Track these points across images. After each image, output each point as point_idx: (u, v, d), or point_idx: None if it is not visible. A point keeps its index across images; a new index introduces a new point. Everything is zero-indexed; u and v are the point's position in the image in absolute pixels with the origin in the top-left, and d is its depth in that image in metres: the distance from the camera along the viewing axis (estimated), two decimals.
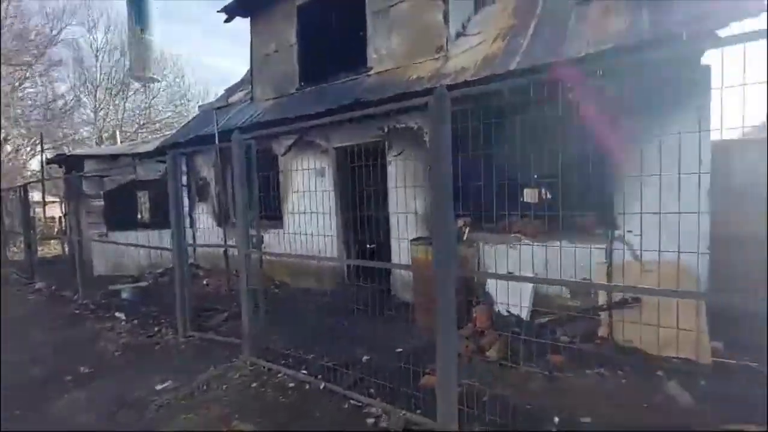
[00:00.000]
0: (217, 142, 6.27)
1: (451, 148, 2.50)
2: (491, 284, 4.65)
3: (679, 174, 2.67)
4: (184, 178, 8.88)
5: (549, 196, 5.44)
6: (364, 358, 3.96)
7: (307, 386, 3.35)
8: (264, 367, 3.74)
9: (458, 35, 5.42)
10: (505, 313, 4.46)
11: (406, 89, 4.85)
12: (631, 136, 3.92)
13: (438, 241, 2.56)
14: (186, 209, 8.93)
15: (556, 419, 2.69)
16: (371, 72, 5.94)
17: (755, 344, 3.43)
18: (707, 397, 2.95)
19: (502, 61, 4.36)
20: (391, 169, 5.42)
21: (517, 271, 4.59)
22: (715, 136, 3.59)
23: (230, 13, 7.53)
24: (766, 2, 3.12)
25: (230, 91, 9.72)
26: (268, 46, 7.29)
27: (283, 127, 5.12)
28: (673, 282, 3.31)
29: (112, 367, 4.17)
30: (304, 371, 3.61)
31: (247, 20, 7.65)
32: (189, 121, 9.38)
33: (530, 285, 4.48)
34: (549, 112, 2.81)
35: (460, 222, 5.09)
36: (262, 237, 4.65)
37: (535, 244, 4.55)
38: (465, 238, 4.91)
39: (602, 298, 4.19)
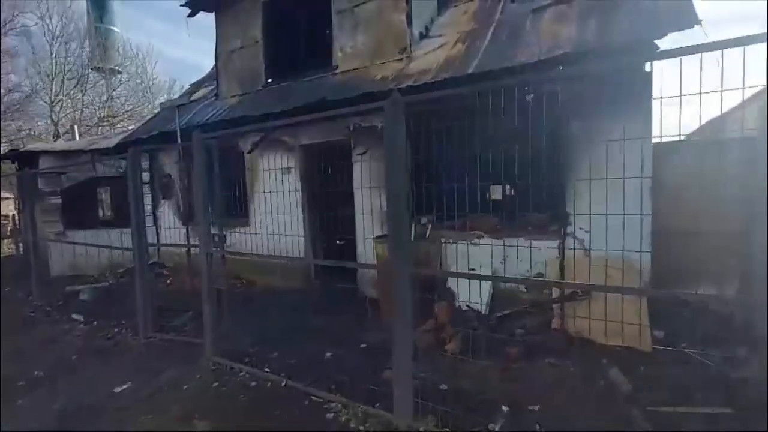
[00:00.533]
0: (179, 140, 6.14)
1: (404, 151, 2.60)
2: (452, 281, 4.81)
3: (623, 178, 2.86)
4: (147, 176, 8.66)
5: (513, 192, 5.67)
6: (328, 354, 4.03)
7: (269, 384, 3.39)
8: (226, 367, 3.74)
9: (422, 36, 5.52)
10: (465, 309, 4.63)
11: (370, 89, 4.91)
12: (580, 139, 4.15)
13: (393, 240, 2.66)
14: (150, 207, 8.70)
15: (505, 408, 2.84)
16: (337, 71, 5.97)
17: (692, 333, 3.73)
18: (644, 382, 3.19)
19: (461, 64, 4.50)
20: (356, 168, 5.48)
21: (478, 267, 4.77)
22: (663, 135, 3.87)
23: (193, 7, 7.35)
24: (698, 16, 3.37)
25: (195, 86, 9.49)
26: (233, 42, 7.18)
27: (247, 126, 5.08)
28: (618, 275, 3.54)
29: (69, 370, 4.06)
30: (267, 369, 3.64)
31: (213, 15, 7.50)
32: (152, 117, 9.11)
33: (489, 282, 4.66)
34: (506, 114, 2.94)
35: (425, 220, 5.22)
36: (225, 236, 4.62)
37: (494, 241, 4.74)
38: (428, 235, 5.05)
39: (556, 292, 4.42)
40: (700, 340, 3.61)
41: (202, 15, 7.66)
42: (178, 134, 6.18)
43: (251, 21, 6.89)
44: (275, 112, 5.54)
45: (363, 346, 4.18)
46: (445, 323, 4.21)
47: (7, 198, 14.66)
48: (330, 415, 2.89)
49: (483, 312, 4.61)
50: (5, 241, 12.28)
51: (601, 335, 3.85)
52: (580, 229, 4.29)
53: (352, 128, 5.51)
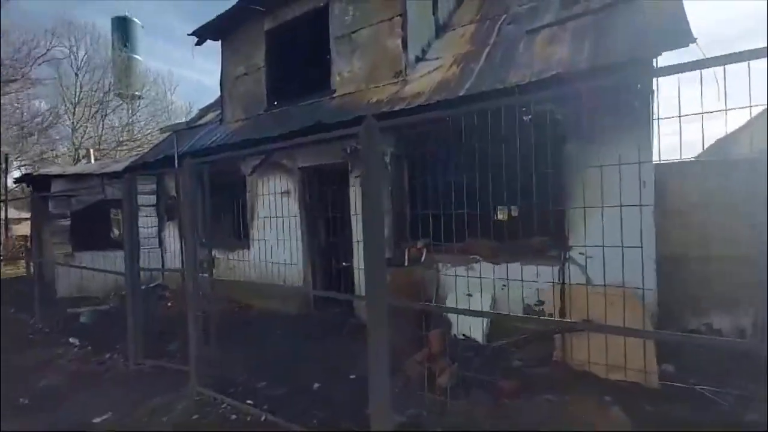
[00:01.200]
0: (176, 164, 6.23)
1: (380, 176, 2.52)
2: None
3: (620, 206, 2.69)
4: (154, 198, 8.81)
5: (517, 214, 5.51)
6: (316, 385, 3.89)
7: (249, 418, 3.26)
8: (209, 398, 3.63)
9: (418, 60, 5.53)
10: (461, 338, 4.44)
11: (364, 112, 4.89)
12: (576, 162, 4.01)
13: (368, 269, 2.54)
14: (155, 229, 8.82)
15: None
16: (335, 95, 6.01)
17: (705, 367, 3.46)
18: (649, 423, 2.94)
19: (455, 86, 4.45)
20: (352, 193, 5.42)
21: (476, 293, 4.59)
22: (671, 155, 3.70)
23: (201, 36, 7.59)
24: (694, 34, 3.25)
25: (204, 110, 9.72)
26: (237, 69, 7.34)
27: (246, 150, 5.11)
28: (620, 304, 3.33)
29: (54, 397, 4.00)
30: (249, 402, 3.51)
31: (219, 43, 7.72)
32: (161, 141, 9.32)
33: (486, 308, 4.48)
34: (501, 135, 2.86)
35: (420, 244, 5.10)
36: (213, 260, 4.58)
37: (492, 266, 4.57)
38: (423, 259, 4.91)
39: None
40: (713, 375, 3.34)
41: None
42: (176, 159, 6.27)
43: (255, 48, 7.05)
44: (273, 135, 5.57)
45: (352, 377, 4.02)
46: (438, 354, 4.02)
47: (26, 218, 15.10)
48: None
49: (481, 341, 4.40)
50: (21, 261, 12.59)
51: (603, 369, 3.60)
52: (580, 254, 4.10)
53: (348, 151, 5.48)
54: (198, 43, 7.84)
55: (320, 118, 5.33)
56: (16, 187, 10.32)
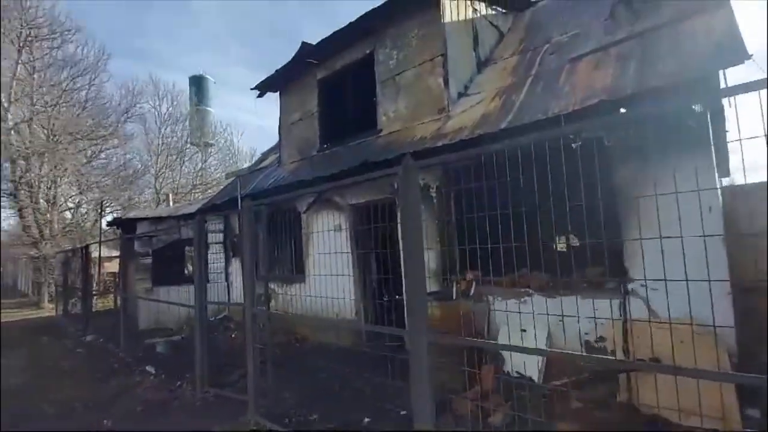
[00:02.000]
0: (239, 206, 6.81)
1: (419, 212, 2.62)
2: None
3: (681, 237, 2.52)
4: (221, 236, 9.57)
5: (577, 243, 5.30)
6: (366, 419, 3.91)
7: None
8: (266, 427, 3.78)
9: (460, 95, 5.68)
10: (515, 375, 4.25)
11: (408, 150, 5.08)
12: (631, 188, 3.83)
13: (409, 305, 2.61)
14: (222, 264, 9.52)
15: None
16: (381, 134, 6.31)
17: None
18: None
19: (495, 119, 4.51)
20: (400, 227, 5.54)
21: (530, 328, 4.41)
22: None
23: (262, 89, 8.40)
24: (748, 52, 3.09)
25: (265, 154, 10.56)
26: (293, 115, 7.98)
27: (300, 190, 5.47)
28: (691, 341, 3.05)
29: (131, 422, 4.39)
30: None
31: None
32: (227, 185, 10.23)
33: (542, 344, 4.27)
34: (552, 166, 2.84)
35: (469, 276, 5.04)
36: (273, 292, 4.86)
37: (546, 299, 4.39)
38: (472, 292, 4.84)
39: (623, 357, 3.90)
40: None
41: None
42: (239, 200, 6.84)
43: (308, 96, 7.65)
44: (324, 175, 5.93)
45: (403, 413, 3.99)
46: (489, 392, 3.89)
47: (117, 257, 16.95)
48: None
49: (536, 380, 4.19)
50: (110, 296, 14.08)
51: (675, 414, 3.26)
52: (642, 286, 3.83)
53: (396, 187, 5.67)
54: (259, 96, 8.66)
55: (367, 157, 5.61)
56: (108, 229, 11.77)
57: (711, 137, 3.53)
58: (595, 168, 3.02)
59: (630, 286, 4.00)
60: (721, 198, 3.57)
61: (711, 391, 3.06)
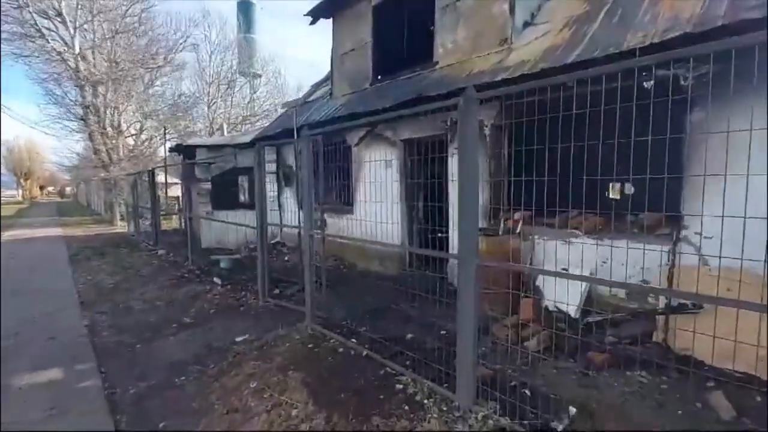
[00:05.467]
0: (295, 137, 7.03)
1: (476, 146, 2.70)
2: (541, 279, 4.66)
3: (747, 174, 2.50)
4: (274, 166, 10.02)
5: (632, 191, 5.17)
6: (409, 335, 4.33)
7: (352, 352, 3.83)
8: (320, 333, 4.30)
9: (526, 25, 5.33)
10: (554, 309, 4.45)
11: (464, 84, 4.97)
12: (706, 130, 3.62)
13: (461, 232, 2.79)
14: (275, 193, 10.07)
15: (573, 410, 2.77)
16: (437, 66, 6.13)
17: None
18: (755, 413, 2.76)
19: (562, 53, 4.27)
20: (451, 162, 5.60)
21: (572, 268, 4.52)
22: None
23: (314, 15, 8.23)
24: None
25: (315, 86, 10.57)
26: (345, 45, 7.85)
27: (348, 123, 5.55)
28: (743, 289, 3.08)
29: (207, 320, 5.12)
30: (354, 340, 4.09)
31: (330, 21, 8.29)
32: (278, 117, 10.46)
33: (581, 283, 4.39)
34: (616, 104, 2.76)
35: (517, 215, 5.12)
36: (325, 220, 5.22)
37: (593, 241, 4.43)
38: (519, 230, 4.94)
39: (663, 302, 3.98)
40: None
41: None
42: (295, 132, 7.06)
43: (362, 24, 7.44)
44: (376, 109, 5.97)
45: (443, 332, 4.36)
46: (529, 320, 4.14)
47: (176, 183, 18.24)
48: (399, 386, 3.18)
49: (573, 315, 4.38)
50: (174, 216, 15.42)
51: (710, 355, 3.37)
52: (696, 234, 3.77)
53: (449, 123, 5.64)
54: (312, 23, 8.51)
55: (421, 91, 5.55)
56: (169, 155, 12.60)
57: None
58: (667, 109, 2.89)
59: (683, 233, 3.94)
60: None
61: (749, 337, 3.10)
